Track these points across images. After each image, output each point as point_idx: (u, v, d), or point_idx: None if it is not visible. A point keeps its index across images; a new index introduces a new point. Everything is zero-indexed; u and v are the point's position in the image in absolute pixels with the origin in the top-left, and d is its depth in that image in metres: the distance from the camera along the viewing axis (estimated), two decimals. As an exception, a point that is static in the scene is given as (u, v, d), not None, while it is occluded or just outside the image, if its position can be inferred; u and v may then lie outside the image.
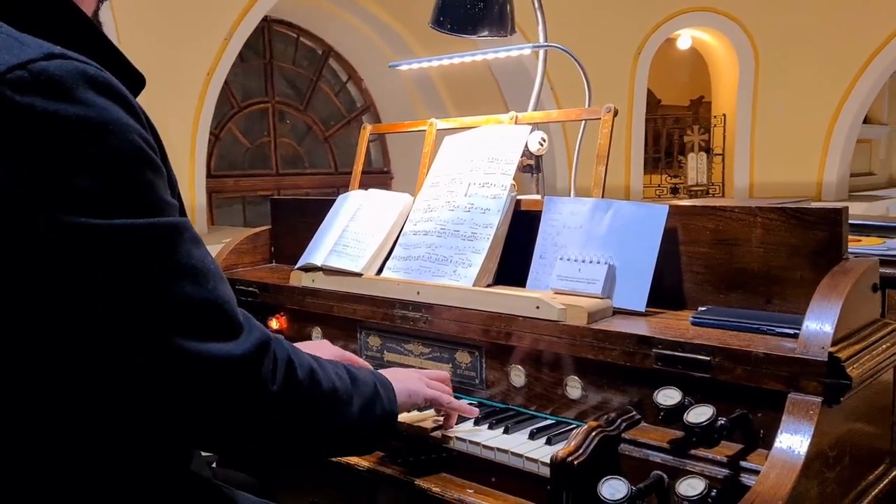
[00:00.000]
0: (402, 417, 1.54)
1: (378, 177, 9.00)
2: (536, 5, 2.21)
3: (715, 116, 9.71)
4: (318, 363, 1.23)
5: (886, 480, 1.53)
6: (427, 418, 1.65)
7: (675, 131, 9.98)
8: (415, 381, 1.50)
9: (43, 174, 0.90)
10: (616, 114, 1.81)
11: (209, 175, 7.17)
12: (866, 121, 9.83)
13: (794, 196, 8.17)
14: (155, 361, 0.99)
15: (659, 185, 9.72)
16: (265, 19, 7.44)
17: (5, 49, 0.92)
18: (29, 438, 1.02)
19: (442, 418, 1.63)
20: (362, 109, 9.12)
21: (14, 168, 0.89)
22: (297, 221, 2.52)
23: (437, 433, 1.60)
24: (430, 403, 1.55)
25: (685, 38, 9.58)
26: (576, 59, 2.04)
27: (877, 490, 1.49)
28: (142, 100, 1.08)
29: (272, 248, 2.63)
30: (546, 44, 2.13)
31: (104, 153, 0.95)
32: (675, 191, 9.59)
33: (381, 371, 1.47)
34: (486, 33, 2.17)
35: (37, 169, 0.90)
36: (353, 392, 1.28)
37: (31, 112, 0.90)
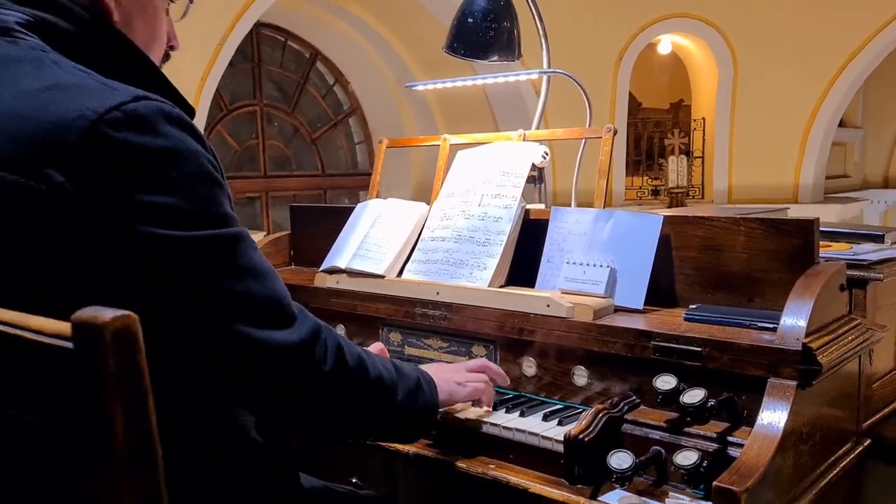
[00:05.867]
0: None
1: (365, 178, 9.14)
2: (541, 33, 2.42)
3: (694, 120, 9.92)
4: (367, 353, 1.42)
5: (852, 456, 1.76)
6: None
7: (655, 134, 10.18)
8: (454, 382, 1.67)
9: (133, 194, 1.11)
10: (616, 133, 2.02)
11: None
12: (841, 124, 10.06)
13: (773, 200, 8.42)
14: (224, 347, 1.20)
15: (640, 188, 9.92)
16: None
17: (101, 94, 1.13)
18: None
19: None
20: (349, 112, 9.26)
21: (111, 190, 1.09)
22: (315, 228, 2.71)
23: (462, 416, 1.81)
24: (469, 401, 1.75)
25: (665, 44, 9.75)
26: (579, 85, 2.26)
27: (844, 463, 1.71)
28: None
29: (291, 252, 2.82)
30: (551, 70, 2.35)
31: (181, 176, 1.16)
32: (655, 193, 9.80)
33: (425, 367, 1.65)
34: (495, 58, 2.38)
35: (129, 189, 1.11)
36: (398, 382, 1.46)
37: (128, 145, 1.10)
